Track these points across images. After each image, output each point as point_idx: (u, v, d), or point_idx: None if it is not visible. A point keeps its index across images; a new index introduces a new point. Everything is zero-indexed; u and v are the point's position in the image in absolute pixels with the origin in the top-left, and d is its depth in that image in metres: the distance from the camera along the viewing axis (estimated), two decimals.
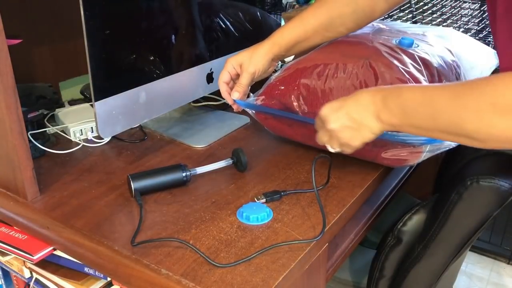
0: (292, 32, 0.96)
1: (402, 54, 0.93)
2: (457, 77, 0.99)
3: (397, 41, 0.98)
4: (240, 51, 0.97)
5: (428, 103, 0.67)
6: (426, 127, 0.69)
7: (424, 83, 0.88)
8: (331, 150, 0.81)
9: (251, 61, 0.94)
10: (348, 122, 0.75)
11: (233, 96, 0.96)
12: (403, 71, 0.88)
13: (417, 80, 0.87)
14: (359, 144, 0.77)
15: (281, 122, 0.97)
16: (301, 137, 0.97)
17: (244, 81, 0.95)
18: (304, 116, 0.92)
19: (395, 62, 0.90)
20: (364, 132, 0.75)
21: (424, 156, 0.84)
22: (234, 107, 0.98)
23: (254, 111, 1.00)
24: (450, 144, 0.82)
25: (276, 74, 0.99)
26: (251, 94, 1.00)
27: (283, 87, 0.95)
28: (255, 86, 1.01)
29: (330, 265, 0.90)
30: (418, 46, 0.99)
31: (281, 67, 0.99)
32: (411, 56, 0.93)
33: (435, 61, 0.95)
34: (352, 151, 0.80)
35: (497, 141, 0.63)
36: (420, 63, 0.92)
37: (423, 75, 0.90)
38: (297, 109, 0.93)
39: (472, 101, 0.62)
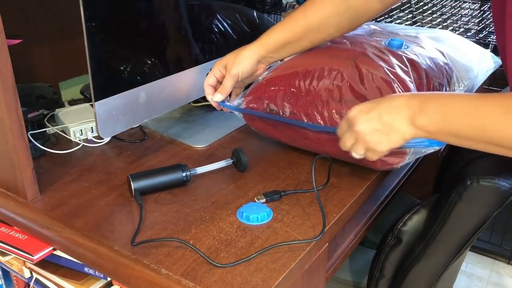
0: (280, 33, 0.94)
1: (390, 55, 0.93)
2: (449, 80, 0.99)
3: (386, 43, 0.98)
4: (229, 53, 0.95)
5: (475, 114, 0.65)
6: (469, 137, 0.66)
7: (410, 84, 0.88)
8: (355, 156, 0.77)
9: (234, 63, 0.93)
10: (378, 124, 0.71)
11: (215, 98, 0.95)
12: (388, 72, 0.88)
13: (402, 81, 0.87)
14: (385, 150, 0.73)
15: (266, 123, 0.96)
16: (286, 138, 0.97)
17: (227, 83, 0.94)
18: (289, 117, 0.92)
19: (381, 63, 0.90)
20: (394, 137, 0.71)
21: (407, 158, 0.84)
22: (218, 108, 0.98)
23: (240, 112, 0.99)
24: (435, 147, 0.79)
25: (264, 74, 0.98)
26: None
27: (269, 88, 0.94)
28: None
29: (330, 265, 0.90)
30: (407, 47, 0.98)
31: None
32: (399, 58, 0.93)
33: (424, 62, 0.95)
34: (378, 157, 0.75)
35: None
36: (408, 64, 0.92)
37: (409, 76, 0.90)
38: (282, 109, 0.92)
39: None
